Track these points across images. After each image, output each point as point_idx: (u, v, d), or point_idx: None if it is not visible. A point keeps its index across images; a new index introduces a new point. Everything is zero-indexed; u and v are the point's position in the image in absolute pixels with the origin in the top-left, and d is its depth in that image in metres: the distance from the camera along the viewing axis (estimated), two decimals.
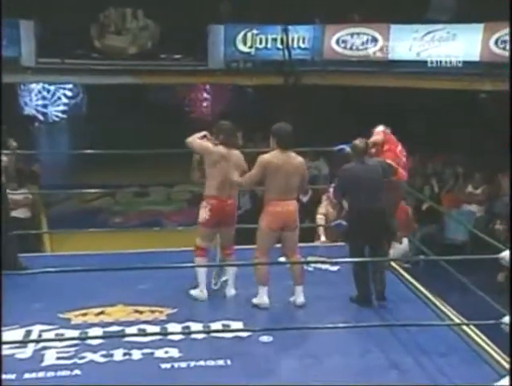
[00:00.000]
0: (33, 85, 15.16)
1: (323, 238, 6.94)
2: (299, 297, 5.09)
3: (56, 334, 4.58)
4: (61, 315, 4.88)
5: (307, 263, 5.73)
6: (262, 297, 5.03)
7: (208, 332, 4.62)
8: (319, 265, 5.93)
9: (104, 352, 4.34)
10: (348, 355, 4.37)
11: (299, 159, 5.06)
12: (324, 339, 4.43)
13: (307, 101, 11.69)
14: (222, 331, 4.66)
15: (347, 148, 6.19)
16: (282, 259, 5.30)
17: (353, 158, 5.36)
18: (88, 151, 7.38)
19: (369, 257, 5.25)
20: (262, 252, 5.02)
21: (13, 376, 4.04)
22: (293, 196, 5.06)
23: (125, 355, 4.34)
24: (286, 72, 11.25)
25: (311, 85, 11.20)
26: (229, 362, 4.28)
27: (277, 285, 5.12)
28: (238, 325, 4.75)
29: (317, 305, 5.13)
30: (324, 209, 7.03)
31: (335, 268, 5.92)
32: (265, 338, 4.54)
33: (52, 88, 15.33)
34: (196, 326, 4.72)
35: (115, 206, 11.29)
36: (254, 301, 5.07)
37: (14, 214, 7.09)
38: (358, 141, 5.35)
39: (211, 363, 4.26)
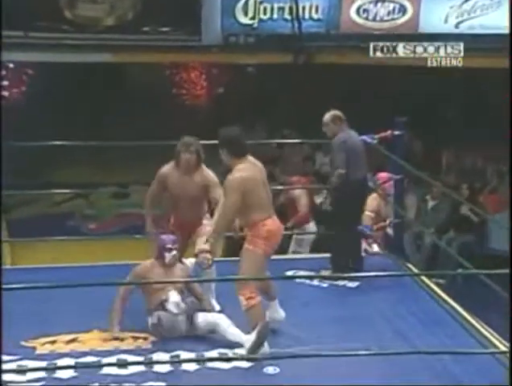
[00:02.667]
0: None
1: (375, 247, 6.71)
2: (280, 312, 5.06)
3: (19, 366, 4.59)
4: (24, 343, 4.91)
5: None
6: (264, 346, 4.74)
7: (203, 361, 4.61)
8: (335, 282, 5.96)
9: None
10: None
11: (260, 164, 4.94)
12: (341, 369, 4.43)
13: (321, 84, 11.70)
14: (219, 360, 4.65)
15: (368, 139, 6.29)
16: None
17: (339, 129, 6.07)
18: (56, 143, 7.37)
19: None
20: (254, 289, 4.73)
21: None
22: (273, 210, 4.97)
23: None
24: (295, 49, 11.24)
25: (326, 64, 11.20)
26: None
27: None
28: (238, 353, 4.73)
29: (332, 328, 5.16)
30: (374, 204, 6.55)
31: (354, 284, 5.95)
32: (270, 369, 4.55)
33: (11, 65, 15.33)
34: (187, 356, 4.73)
35: (89, 209, 11.32)
36: (249, 348, 4.69)
37: None
38: (337, 112, 6.10)
39: None
